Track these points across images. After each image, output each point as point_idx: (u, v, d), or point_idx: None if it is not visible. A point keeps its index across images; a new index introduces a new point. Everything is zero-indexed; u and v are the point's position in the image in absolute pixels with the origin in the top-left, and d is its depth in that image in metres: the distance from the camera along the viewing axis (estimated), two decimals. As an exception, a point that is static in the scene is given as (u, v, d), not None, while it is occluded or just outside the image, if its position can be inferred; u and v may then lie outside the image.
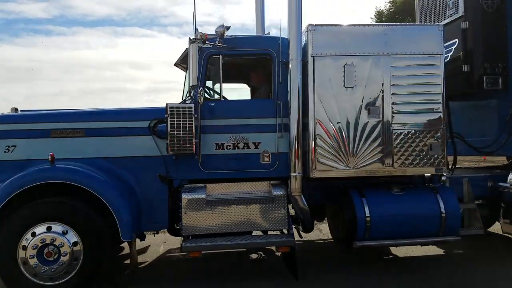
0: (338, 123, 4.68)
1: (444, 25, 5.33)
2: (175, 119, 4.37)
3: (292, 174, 4.58)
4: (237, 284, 4.63)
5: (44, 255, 4.07)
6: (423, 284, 4.54)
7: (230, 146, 4.76)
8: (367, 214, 4.66)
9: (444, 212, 4.78)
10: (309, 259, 5.36)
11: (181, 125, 4.38)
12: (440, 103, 4.84)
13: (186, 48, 4.64)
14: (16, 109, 5.13)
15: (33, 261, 4.05)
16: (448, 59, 5.57)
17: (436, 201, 4.82)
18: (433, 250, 5.65)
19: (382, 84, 4.75)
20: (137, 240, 4.69)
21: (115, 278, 4.75)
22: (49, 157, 4.17)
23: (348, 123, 4.70)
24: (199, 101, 4.51)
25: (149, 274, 5.12)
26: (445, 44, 5.20)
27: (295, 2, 4.61)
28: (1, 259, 4.05)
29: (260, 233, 5.04)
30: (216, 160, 4.76)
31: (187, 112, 4.39)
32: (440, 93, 4.84)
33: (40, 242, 4.06)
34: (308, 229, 4.98)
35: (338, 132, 4.68)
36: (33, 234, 4.08)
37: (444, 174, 4.92)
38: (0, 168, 4.47)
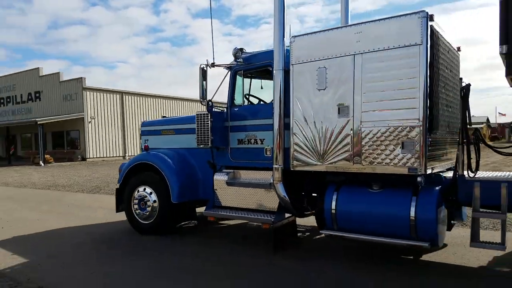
0: (311, 122, 5.18)
1: None
2: (199, 123, 6.20)
3: (274, 166, 5.50)
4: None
5: (141, 205, 6.89)
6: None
7: (246, 141, 6.12)
8: (333, 207, 5.01)
9: (413, 216, 4.46)
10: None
11: (202, 127, 6.16)
12: (417, 98, 4.44)
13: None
14: (163, 116, 8.25)
15: (136, 207, 6.94)
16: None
17: (408, 204, 4.52)
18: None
19: (353, 84, 4.85)
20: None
21: (181, 226, 7.12)
22: (143, 148, 6.95)
23: (320, 123, 5.11)
24: (222, 109, 6.17)
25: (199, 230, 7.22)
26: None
27: (278, 21, 5.43)
28: (126, 205, 7.15)
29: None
30: (238, 152, 6.23)
31: (204, 118, 6.12)
32: (416, 88, 4.44)
33: (139, 197, 6.90)
34: (294, 214, 5.65)
35: (311, 131, 5.19)
36: (137, 191, 6.97)
37: (419, 174, 4.44)
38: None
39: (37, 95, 34.81)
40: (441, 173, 5.09)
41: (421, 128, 4.42)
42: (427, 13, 4.41)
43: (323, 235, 5.26)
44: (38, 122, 29.02)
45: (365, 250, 5.62)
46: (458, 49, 5.89)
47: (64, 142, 33.82)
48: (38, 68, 35.01)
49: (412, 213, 4.46)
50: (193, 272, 4.96)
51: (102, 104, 32.95)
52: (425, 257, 5.20)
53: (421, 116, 4.42)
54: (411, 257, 5.28)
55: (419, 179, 4.46)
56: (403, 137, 4.52)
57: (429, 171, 4.53)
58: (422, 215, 4.43)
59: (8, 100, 37.24)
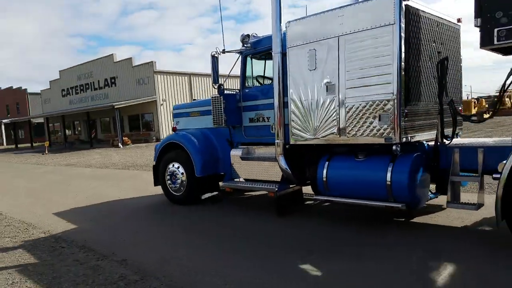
0: (305, 100, 5.75)
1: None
2: (214, 105, 6.98)
3: (276, 141, 6.17)
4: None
5: (172, 179, 7.91)
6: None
7: (256, 120, 6.83)
8: (324, 176, 5.59)
9: (389, 180, 4.94)
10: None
11: (217, 108, 6.94)
12: (390, 73, 4.85)
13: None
14: (194, 100, 9.18)
15: (169, 181, 7.98)
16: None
17: (385, 169, 5.00)
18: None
19: (338, 63, 5.33)
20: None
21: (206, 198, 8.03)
22: (172, 129, 7.92)
23: (312, 100, 5.66)
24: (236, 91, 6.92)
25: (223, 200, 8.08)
26: None
27: (275, 7, 6.00)
28: (161, 179, 8.20)
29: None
30: (251, 130, 6.96)
31: (218, 100, 6.89)
32: (390, 64, 4.84)
33: (171, 172, 7.91)
34: (296, 183, 6.28)
35: (305, 108, 5.76)
36: (169, 168, 7.98)
37: (394, 143, 4.86)
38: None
39: (113, 80, 36.85)
40: (424, 142, 5.43)
41: (395, 101, 4.83)
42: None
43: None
44: (115, 107, 30.74)
45: (364, 213, 6.13)
46: (459, 20, 6.05)
47: (140, 124, 35.85)
48: (112, 54, 36.99)
49: (388, 178, 4.94)
50: (209, 233, 5.87)
51: (172, 86, 34.32)
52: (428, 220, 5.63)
53: (395, 90, 4.83)
54: (403, 219, 5.74)
55: (394, 147, 4.90)
56: (379, 110, 4.97)
57: (405, 140, 4.94)
58: (396, 179, 4.89)
59: (87, 86, 39.86)
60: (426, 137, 5.43)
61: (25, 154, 29.56)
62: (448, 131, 5.23)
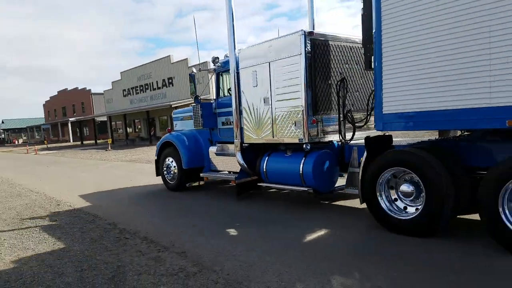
0: (252, 109, 7.51)
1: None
2: (194, 111, 8.88)
3: (235, 140, 7.99)
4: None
5: (168, 171, 9.92)
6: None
7: (226, 123, 8.67)
8: (264, 168, 7.36)
9: (301, 170, 6.62)
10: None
11: (196, 114, 8.83)
12: (299, 91, 6.51)
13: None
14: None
15: (165, 172, 9.98)
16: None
17: (300, 162, 6.68)
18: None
19: (270, 82, 7.05)
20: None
21: (190, 185, 9.99)
22: (167, 130, 9.94)
23: (256, 110, 7.41)
24: (211, 100, 8.81)
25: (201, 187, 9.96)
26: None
27: (231, 40, 7.78)
28: (161, 171, 10.26)
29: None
30: (223, 131, 8.80)
31: (196, 108, 8.79)
32: (299, 84, 6.50)
33: (166, 165, 9.92)
34: (252, 174, 8.02)
35: (252, 115, 7.53)
36: (165, 161, 9.99)
37: (304, 143, 6.52)
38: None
39: (170, 81, 39.00)
40: (335, 141, 7.03)
41: (304, 111, 6.49)
42: (304, 31, 6.40)
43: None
44: (172, 105, 32.13)
45: (302, 197, 7.82)
46: None
47: (196, 122, 37.91)
48: (169, 56, 38.43)
49: (301, 169, 6.62)
50: (192, 210, 7.79)
51: (226, 85, 36.07)
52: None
53: (303, 103, 6.49)
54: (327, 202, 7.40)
55: (304, 146, 6.56)
56: (295, 118, 6.64)
57: (315, 140, 6.59)
58: (305, 170, 6.56)
59: (146, 87, 42.45)
60: (337, 138, 7.00)
61: (90, 150, 31.67)
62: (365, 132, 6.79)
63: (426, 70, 4.85)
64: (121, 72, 45.75)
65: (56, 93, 64.91)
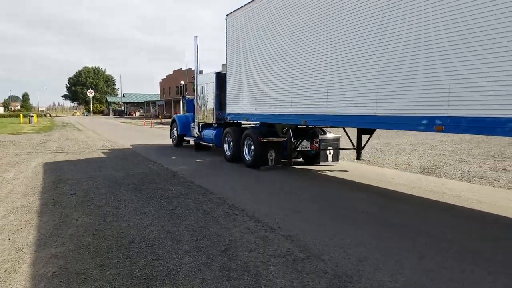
0: (203, 105, 15.07)
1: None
2: (183, 103, 16.74)
3: (195, 120, 15.62)
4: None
5: (173, 135, 17.85)
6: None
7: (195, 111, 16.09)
8: (203, 134, 15.06)
9: (212, 136, 14.05)
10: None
11: (183, 105, 16.91)
12: (213, 98, 13.93)
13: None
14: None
15: (172, 136, 18.05)
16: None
17: (212, 132, 14.07)
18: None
19: (207, 92, 14.49)
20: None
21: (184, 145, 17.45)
22: (174, 113, 17.92)
23: (204, 106, 14.91)
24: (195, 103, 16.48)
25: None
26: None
27: (196, 66, 15.16)
28: (171, 136, 18.18)
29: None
30: (194, 116, 16.20)
31: (184, 101, 16.80)
32: (213, 94, 13.84)
33: (173, 132, 18.00)
34: (200, 139, 15.27)
35: (201, 108, 15.09)
36: (173, 130, 18.02)
37: (213, 123, 13.88)
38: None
39: None
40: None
41: (213, 108, 13.95)
42: (216, 72, 13.70)
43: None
44: None
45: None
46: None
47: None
48: None
49: (213, 135, 14.02)
50: (183, 155, 15.19)
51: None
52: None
53: (213, 104, 13.98)
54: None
55: (213, 125, 14.01)
56: (211, 111, 14.08)
57: (218, 123, 13.84)
58: (213, 135, 13.95)
59: None
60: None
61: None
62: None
63: (237, 96, 11.84)
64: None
65: (172, 72, 71.09)
